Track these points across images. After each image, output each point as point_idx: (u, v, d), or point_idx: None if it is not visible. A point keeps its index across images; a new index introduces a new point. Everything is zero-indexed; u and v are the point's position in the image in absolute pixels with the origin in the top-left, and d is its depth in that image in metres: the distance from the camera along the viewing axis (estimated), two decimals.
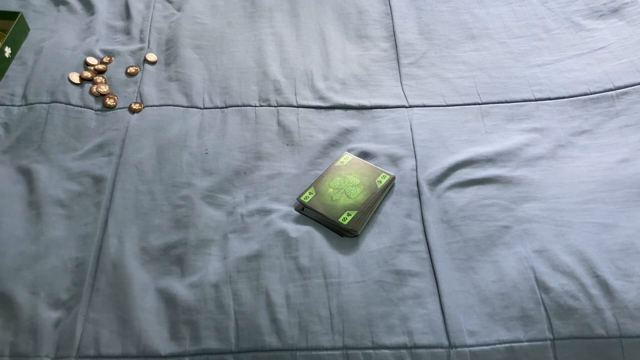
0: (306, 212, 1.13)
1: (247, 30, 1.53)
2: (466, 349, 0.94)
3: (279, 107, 1.33)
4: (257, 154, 1.23)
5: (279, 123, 1.30)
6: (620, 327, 0.94)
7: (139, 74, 1.41)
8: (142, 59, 1.44)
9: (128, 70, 1.41)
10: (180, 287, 1.01)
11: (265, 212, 1.12)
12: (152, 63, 1.44)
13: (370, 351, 0.94)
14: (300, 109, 1.33)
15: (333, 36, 1.51)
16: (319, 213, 1.11)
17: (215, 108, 1.33)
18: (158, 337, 0.96)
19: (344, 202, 1.13)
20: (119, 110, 1.32)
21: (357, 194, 1.14)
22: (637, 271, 1.00)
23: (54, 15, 1.56)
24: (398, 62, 1.44)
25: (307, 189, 1.15)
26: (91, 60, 1.42)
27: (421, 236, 1.08)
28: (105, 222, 1.11)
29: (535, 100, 1.33)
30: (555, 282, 0.99)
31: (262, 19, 1.56)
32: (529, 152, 1.22)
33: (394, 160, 1.22)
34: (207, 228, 1.10)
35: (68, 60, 1.41)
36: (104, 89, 1.35)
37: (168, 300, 1.00)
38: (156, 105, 1.33)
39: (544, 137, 1.25)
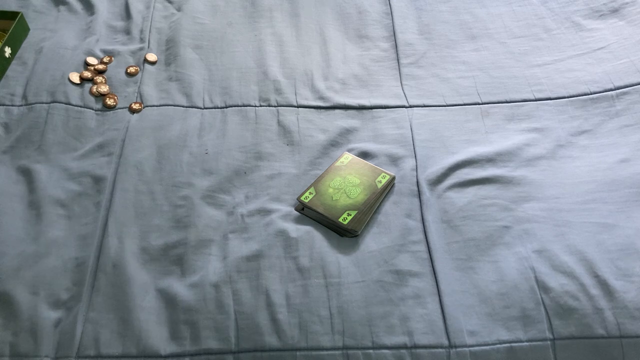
0: (306, 212, 1.13)
1: (247, 30, 1.52)
2: (466, 349, 0.94)
3: (279, 107, 1.33)
4: (257, 154, 1.23)
5: (279, 123, 1.29)
6: (620, 327, 0.94)
7: (139, 74, 1.41)
8: (142, 59, 1.44)
9: (128, 70, 1.41)
10: (180, 287, 1.01)
11: (265, 212, 1.12)
12: (152, 63, 1.44)
13: (370, 351, 0.94)
14: (300, 109, 1.33)
15: (333, 36, 1.51)
16: (319, 213, 1.11)
17: (215, 108, 1.33)
18: (158, 337, 0.96)
19: (344, 202, 1.13)
20: (119, 110, 1.32)
21: (357, 194, 1.14)
22: (637, 271, 1.00)
23: (54, 15, 1.56)
24: (398, 62, 1.44)
25: (307, 189, 1.15)
26: (91, 60, 1.42)
27: (421, 236, 1.08)
28: (105, 222, 1.11)
29: (535, 100, 1.33)
30: (555, 282, 0.99)
31: (262, 19, 1.56)
32: (529, 152, 1.22)
33: (394, 160, 1.22)
34: (207, 228, 1.10)
35: (68, 60, 1.41)
36: (104, 89, 1.35)
37: (168, 300, 1.00)
38: (156, 105, 1.33)
39: (544, 137, 1.25)
